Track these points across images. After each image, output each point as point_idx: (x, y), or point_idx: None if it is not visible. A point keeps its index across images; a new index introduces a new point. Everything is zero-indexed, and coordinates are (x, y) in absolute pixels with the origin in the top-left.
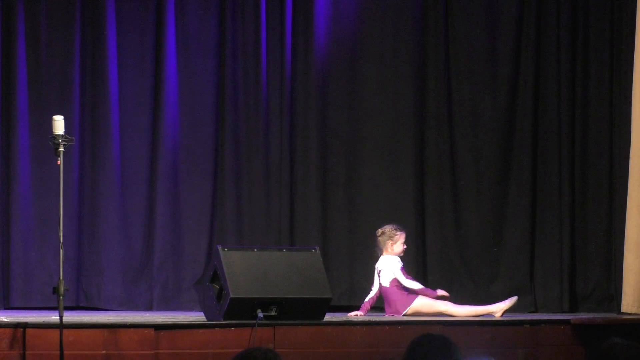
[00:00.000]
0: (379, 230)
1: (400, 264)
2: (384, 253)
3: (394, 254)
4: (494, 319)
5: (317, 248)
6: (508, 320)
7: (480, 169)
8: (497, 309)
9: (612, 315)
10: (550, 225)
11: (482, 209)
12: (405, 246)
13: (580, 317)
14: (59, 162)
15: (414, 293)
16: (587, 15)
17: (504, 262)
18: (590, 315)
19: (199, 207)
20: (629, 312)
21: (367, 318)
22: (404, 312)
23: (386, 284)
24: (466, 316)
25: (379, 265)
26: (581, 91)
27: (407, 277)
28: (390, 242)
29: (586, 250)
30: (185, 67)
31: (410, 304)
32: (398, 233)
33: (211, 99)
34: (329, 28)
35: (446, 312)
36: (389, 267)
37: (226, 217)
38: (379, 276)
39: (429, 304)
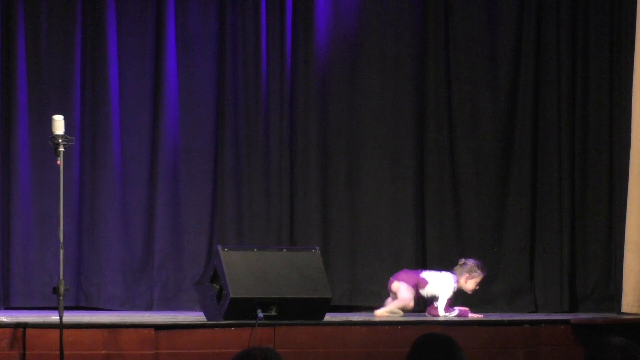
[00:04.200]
0: (463, 260)
1: (450, 294)
2: (457, 278)
3: (463, 288)
4: (494, 319)
5: (317, 248)
6: (508, 320)
7: (480, 169)
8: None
9: (612, 315)
10: (550, 225)
11: (482, 209)
12: (478, 287)
13: (580, 317)
14: (59, 162)
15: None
16: (587, 15)
17: (504, 262)
18: (590, 315)
19: (199, 207)
20: (629, 312)
21: (367, 318)
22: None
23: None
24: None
25: (441, 272)
26: (581, 91)
27: (447, 309)
28: (466, 276)
29: (586, 250)
30: (185, 67)
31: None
32: (479, 272)
33: (211, 99)
34: (329, 28)
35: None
36: (440, 287)
37: (226, 217)
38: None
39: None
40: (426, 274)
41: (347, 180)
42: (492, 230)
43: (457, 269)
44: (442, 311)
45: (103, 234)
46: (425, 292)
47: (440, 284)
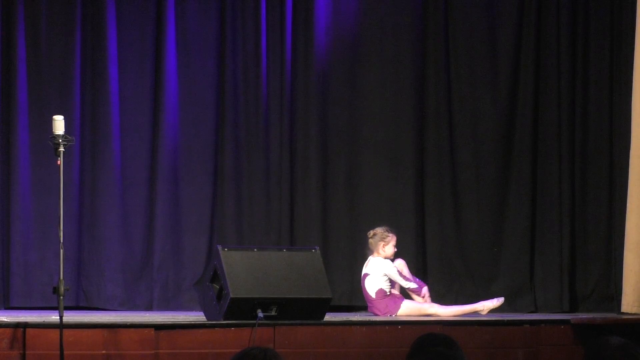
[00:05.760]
0: (371, 232)
1: (394, 268)
2: (375, 254)
3: (385, 257)
4: (494, 319)
5: (317, 248)
6: (508, 320)
7: (480, 169)
8: (484, 307)
9: (612, 315)
10: (550, 225)
11: (482, 209)
12: (396, 249)
13: (580, 317)
14: (59, 162)
15: (401, 296)
16: (587, 15)
17: (504, 262)
18: (590, 315)
19: (199, 207)
20: (629, 312)
21: (367, 318)
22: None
23: (372, 293)
24: (453, 316)
25: (367, 269)
26: (581, 91)
27: (405, 279)
28: (382, 244)
29: (586, 250)
30: (185, 67)
31: (397, 310)
32: (390, 235)
33: (211, 98)
34: (329, 28)
35: (434, 314)
36: (379, 272)
37: (226, 217)
38: (363, 282)
39: (416, 308)
40: (366, 271)
41: (347, 180)
42: (492, 230)
43: (371, 243)
44: (405, 283)
45: (103, 234)
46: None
47: (376, 270)
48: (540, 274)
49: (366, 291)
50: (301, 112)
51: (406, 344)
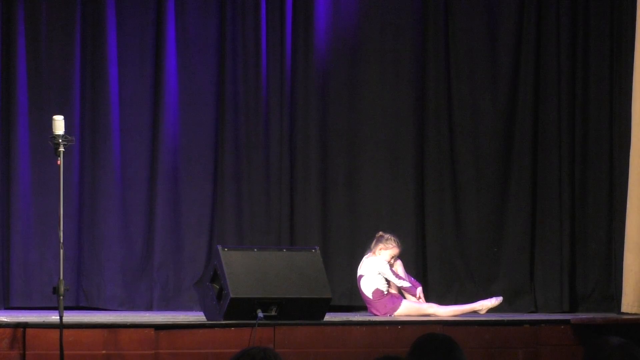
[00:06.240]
0: (380, 232)
1: (387, 265)
2: (369, 255)
3: (377, 257)
4: (494, 319)
5: (317, 248)
6: (508, 320)
7: (480, 169)
8: (482, 306)
9: (612, 315)
10: (550, 225)
11: (482, 209)
12: (392, 260)
13: (580, 317)
14: (59, 162)
15: (399, 296)
16: (587, 15)
17: (504, 262)
18: (590, 315)
19: (199, 207)
20: (629, 312)
21: (367, 318)
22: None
23: (369, 294)
24: (452, 315)
25: (361, 270)
26: (581, 91)
27: (398, 277)
28: (381, 247)
29: (586, 250)
30: (185, 67)
31: (396, 310)
32: (393, 245)
33: (211, 98)
34: (329, 28)
35: (432, 314)
36: (373, 272)
37: (226, 217)
38: (359, 284)
39: (415, 308)
40: (360, 272)
41: (347, 180)
42: (492, 230)
43: (373, 242)
44: (398, 282)
45: (103, 234)
46: (370, 282)
47: (370, 271)
48: (540, 274)
49: (363, 293)
50: (301, 112)
51: (406, 344)
